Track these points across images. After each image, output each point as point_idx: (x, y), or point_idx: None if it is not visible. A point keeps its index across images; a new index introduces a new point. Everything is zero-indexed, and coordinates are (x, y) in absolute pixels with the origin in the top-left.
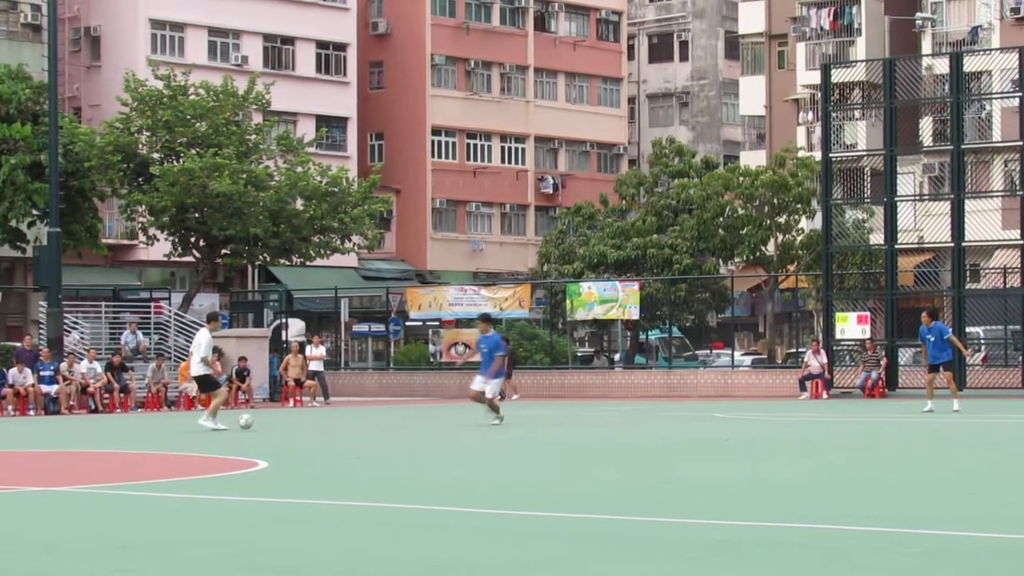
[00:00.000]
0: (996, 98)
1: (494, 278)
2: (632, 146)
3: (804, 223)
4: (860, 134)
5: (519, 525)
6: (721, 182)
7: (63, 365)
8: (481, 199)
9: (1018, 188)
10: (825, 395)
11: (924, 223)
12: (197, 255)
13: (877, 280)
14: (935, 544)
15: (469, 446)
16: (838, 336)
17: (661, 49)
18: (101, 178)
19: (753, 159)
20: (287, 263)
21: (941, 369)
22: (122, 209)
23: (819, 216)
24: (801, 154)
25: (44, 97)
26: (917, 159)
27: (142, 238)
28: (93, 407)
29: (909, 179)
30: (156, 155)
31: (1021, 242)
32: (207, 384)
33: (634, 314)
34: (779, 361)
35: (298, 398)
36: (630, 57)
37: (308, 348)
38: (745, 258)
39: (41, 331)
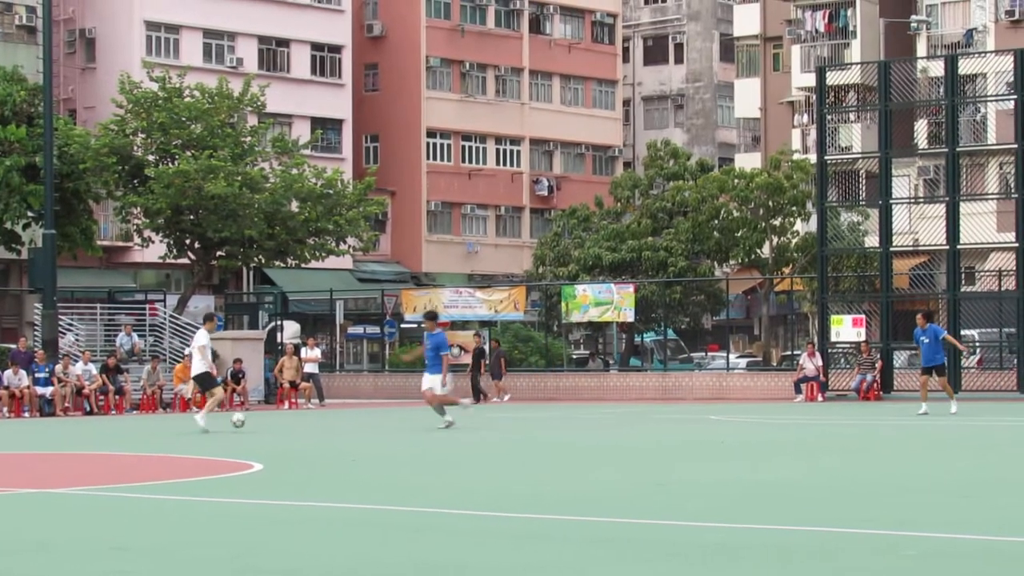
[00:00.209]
0: (991, 101)
1: (489, 280)
2: (627, 148)
3: (799, 226)
4: (855, 137)
5: (515, 527)
6: (716, 184)
7: (58, 367)
8: (476, 201)
9: (1013, 191)
10: (820, 398)
11: (919, 226)
12: (192, 257)
13: (872, 283)
14: (931, 547)
15: (465, 448)
16: (833, 339)
17: (656, 51)
18: (96, 180)
19: (748, 161)
20: (282, 265)
21: (934, 373)
22: (117, 211)
23: (814, 219)
24: (796, 157)
25: (39, 99)
26: (912, 162)
27: (137, 240)
28: (88, 409)
29: (904, 182)
30: (151, 157)
31: (1016, 245)
32: (207, 382)
33: (629, 316)
34: (774, 364)
35: (293, 400)
36: (625, 59)
37: (303, 350)
38: (740, 261)
39: (36, 333)
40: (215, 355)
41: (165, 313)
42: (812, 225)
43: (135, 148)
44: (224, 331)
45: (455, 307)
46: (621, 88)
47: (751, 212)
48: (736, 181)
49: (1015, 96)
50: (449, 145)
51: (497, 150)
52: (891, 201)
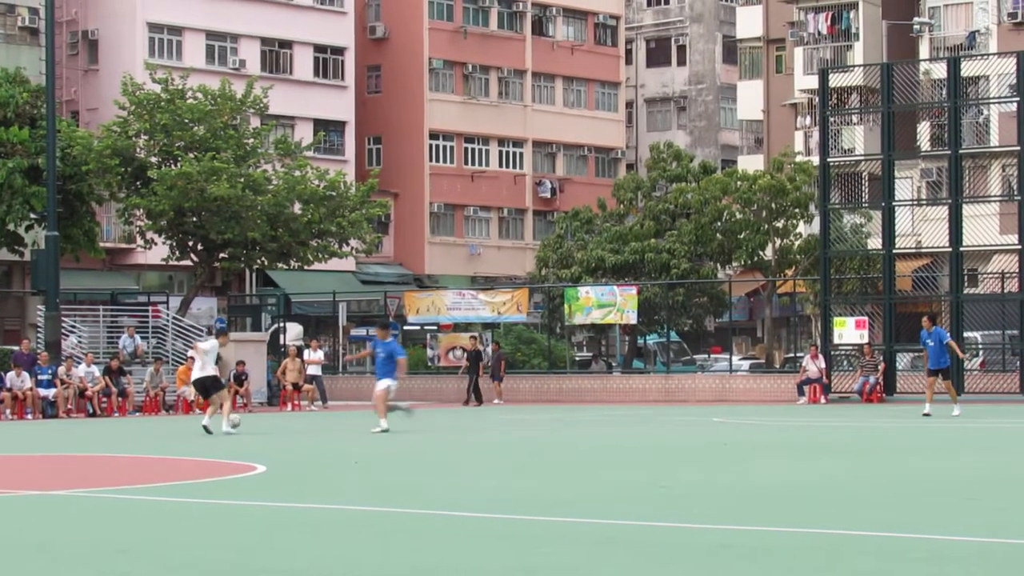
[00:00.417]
0: (994, 103)
1: (492, 282)
2: (630, 150)
3: (802, 228)
4: (858, 139)
5: (517, 529)
6: (719, 186)
7: (61, 369)
8: (479, 203)
9: (1016, 193)
10: (823, 400)
11: (922, 228)
12: (195, 259)
13: (875, 285)
14: (935, 549)
15: (467, 450)
16: (836, 341)
17: (659, 53)
18: (99, 182)
19: (751, 163)
20: (285, 267)
21: (940, 376)
22: (120, 213)
23: (817, 221)
24: (799, 159)
25: (42, 100)
26: (915, 164)
27: (140, 242)
28: (91, 411)
29: (907, 184)
30: (154, 159)
31: (1019, 247)
32: (204, 388)
33: (632, 318)
34: (777, 366)
35: (296, 402)
36: (628, 61)
37: (306, 352)
38: (743, 263)
39: (39, 335)
40: (218, 357)
41: (168, 315)
42: (815, 227)
43: (138, 150)
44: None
45: (458, 309)
46: (624, 90)
47: (754, 214)
48: (739, 183)
49: (1018, 98)
50: (452, 147)
51: (500, 152)
52: (894, 203)
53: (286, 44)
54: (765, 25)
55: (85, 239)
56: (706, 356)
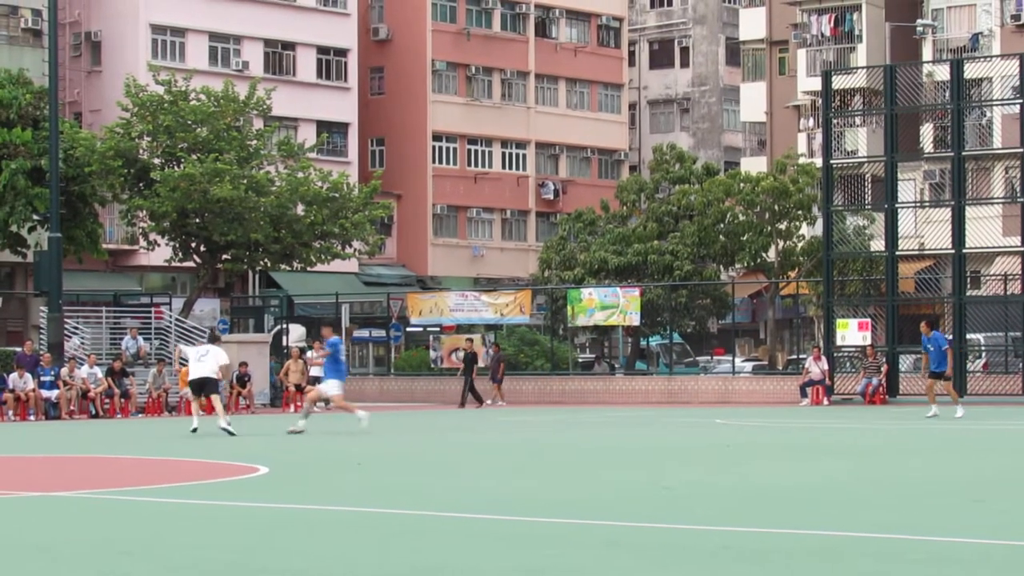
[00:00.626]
0: (997, 105)
1: (495, 284)
2: (633, 152)
3: (805, 229)
4: (861, 140)
5: (520, 530)
6: (722, 188)
7: (64, 370)
8: (482, 205)
9: (1019, 195)
10: (826, 401)
11: (925, 230)
12: (198, 260)
13: (878, 286)
14: (937, 550)
15: (470, 451)
16: (839, 342)
17: (662, 55)
18: (102, 183)
19: (754, 165)
20: (288, 268)
21: (940, 379)
22: (123, 214)
23: (820, 222)
24: (802, 160)
25: (45, 102)
26: (918, 166)
27: (143, 243)
28: (94, 412)
29: (910, 186)
30: (157, 160)
31: (1022, 249)
32: (213, 387)
33: (635, 320)
34: (780, 367)
35: (299, 404)
36: (631, 63)
37: (309, 353)
38: (746, 264)
39: (42, 336)
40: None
41: (171, 316)
42: (818, 229)
43: (141, 151)
44: (230, 334)
45: (461, 311)
46: (627, 92)
47: (757, 216)
48: (742, 185)
49: (1021, 100)
50: (455, 149)
51: (503, 154)
52: (897, 205)
53: (289, 46)
54: (768, 27)
55: (88, 240)
56: (709, 358)
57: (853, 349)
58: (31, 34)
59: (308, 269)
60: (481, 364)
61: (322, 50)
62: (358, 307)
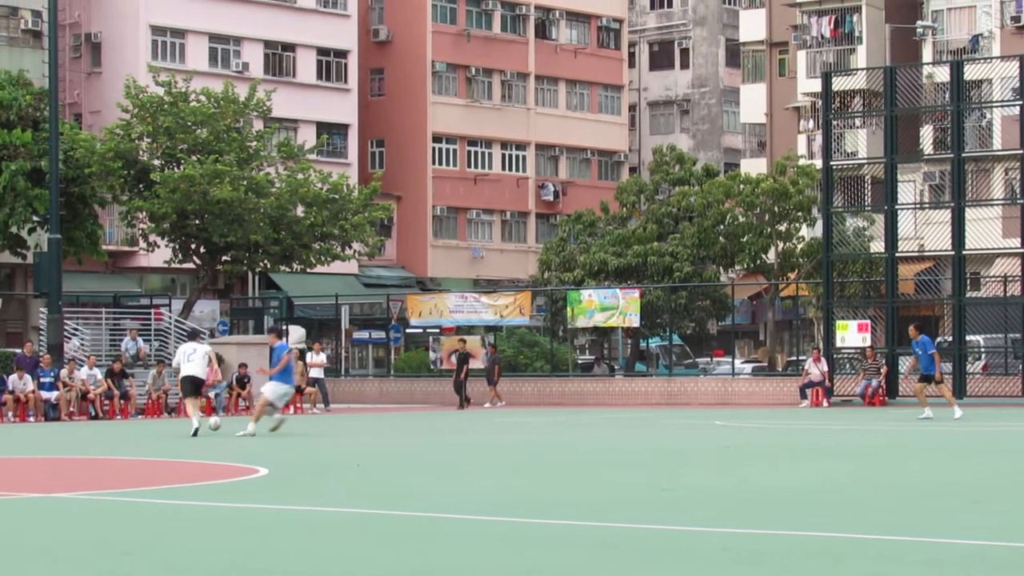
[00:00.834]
0: (997, 106)
1: (495, 285)
2: (633, 154)
3: (805, 231)
4: (861, 142)
5: (519, 531)
6: (722, 190)
7: (63, 371)
8: (482, 206)
9: (1018, 196)
10: (825, 403)
11: (925, 231)
12: (197, 262)
13: (878, 288)
14: (937, 552)
15: (469, 453)
16: (838, 344)
17: (662, 57)
18: (102, 184)
19: (754, 167)
20: (287, 270)
21: (932, 382)
22: (122, 215)
23: (820, 224)
24: (802, 162)
25: (45, 103)
26: (918, 167)
27: (142, 244)
28: (93, 414)
29: (910, 187)
30: (157, 161)
31: (1021, 250)
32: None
33: (634, 322)
34: (779, 369)
35: (298, 405)
36: (631, 65)
37: (309, 355)
38: (746, 266)
39: (41, 337)
40: (220, 359)
41: (170, 318)
42: (818, 230)
43: (140, 152)
44: (229, 336)
45: (460, 312)
46: (627, 93)
47: (757, 217)
48: (742, 186)
49: (1021, 102)
50: (455, 150)
51: (503, 155)
52: (896, 206)
53: (289, 47)
54: (768, 28)
55: (88, 242)
56: (708, 359)
57: (853, 351)
58: (31, 35)
59: (308, 270)
60: (481, 366)
61: (322, 51)
62: (358, 308)
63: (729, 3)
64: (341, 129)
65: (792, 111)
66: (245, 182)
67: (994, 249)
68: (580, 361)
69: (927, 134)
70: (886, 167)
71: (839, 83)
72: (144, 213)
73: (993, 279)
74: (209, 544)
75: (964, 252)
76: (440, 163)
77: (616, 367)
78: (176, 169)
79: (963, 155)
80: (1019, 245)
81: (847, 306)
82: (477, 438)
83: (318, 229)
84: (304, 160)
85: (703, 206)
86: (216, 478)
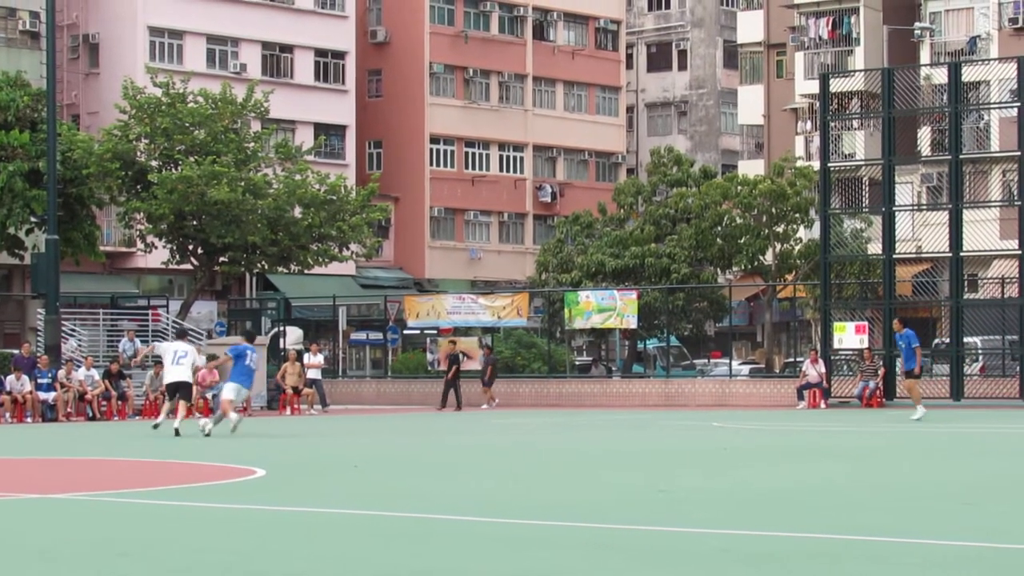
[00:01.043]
0: (994, 108)
1: (492, 286)
2: (630, 155)
3: (802, 232)
4: (858, 144)
5: (516, 533)
6: (719, 191)
7: (61, 372)
8: (479, 207)
9: (1016, 198)
10: (823, 404)
11: (922, 233)
12: (195, 263)
13: (875, 290)
14: (934, 554)
15: (466, 454)
16: (836, 346)
17: (659, 58)
18: (99, 185)
19: (751, 168)
20: (285, 271)
21: (908, 376)
22: (120, 216)
23: (817, 225)
24: (799, 163)
25: (42, 104)
26: (915, 169)
27: (140, 245)
28: (91, 414)
29: (907, 189)
30: (154, 162)
31: (1019, 252)
32: (187, 391)
33: (632, 323)
34: (777, 370)
35: (296, 406)
36: (628, 66)
37: (306, 356)
38: (743, 267)
39: (39, 338)
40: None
41: (168, 319)
42: (815, 232)
43: (138, 153)
44: (227, 337)
45: (458, 313)
46: (624, 95)
47: (754, 219)
48: (739, 188)
49: (1018, 103)
50: (452, 151)
51: (500, 156)
52: (894, 208)
53: (287, 48)
54: (766, 30)
55: (85, 243)
56: (706, 361)
57: (850, 352)
58: (29, 36)
59: (305, 272)
60: (478, 367)
61: (320, 52)
62: (355, 309)
63: (727, 4)
64: (339, 130)
65: (790, 112)
66: (243, 183)
67: (992, 251)
68: (577, 362)
69: (925, 136)
70: (884, 169)
71: (837, 84)
72: (142, 214)
73: (991, 281)
74: (206, 545)
75: (962, 254)
76: (438, 164)
77: (613, 368)
78: (174, 170)
79: (961, 157)
80: (1017, 247)
81: (844, 308)
82: (474, 439)
83: (316, 230)
84: (302, 161)
85: (701, 207)
86: (213, 479)
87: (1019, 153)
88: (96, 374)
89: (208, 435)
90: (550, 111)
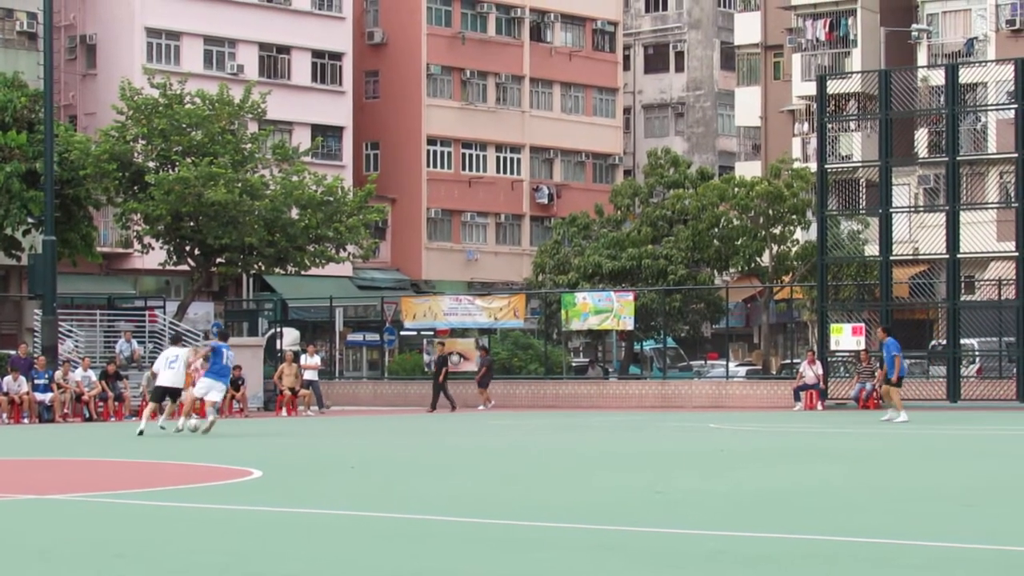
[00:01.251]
0: (991, 110)
1: (489, 288)
2: (627, 156)
3: (799, 234)
4: (855, 145)
5: (513, 534)
6: (716, 193)
7: (58, 373)
8: (476, 209)
9: (1013, 200)
10: (819, 406)
11: (919, 234)
12: (192, 264)
13: (872, 291)
14: (931, 556)
15: (463, 455)
16: (832, 347)
17: (657, 59)
18: (96, 186)
19: (748, 170)
20: (282, 272)
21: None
22: (117, 217)
23: (814, 227)
24: (796, 165)
25: (40, 105)
26: (912, 170)
27: (137, 246)
28: (87, 415)
29: (904, 190)
30: (151, 164)
31: (1016, 254)
32: (177, 395)
33: (629, 324)
34: (774, 372)
35: (291, 407)
36: (626, 67)
37: (303, 357)
38: (740, 269)
39: (36, 339)
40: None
41: (165, 320)
42: (812, 234)
43: (135, 154)
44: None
45: (455, 315)
46: (622, 96)
47: (751, 220)
48: (736, 189)
49: (1015, 105)
50: (449, 153)
51: (497, 158)
52: (891, 210)
53: (284, 49)
54: (763, 31)
55: (82, 244)
56: (703, 362)
57: (847, 354)
58: (26, 37)
59: (302, 273)
60: (475, 368)
61: (317, 54)
62: (352, 311)
63: (724, 6)
64: (336, 131)
65: (787, 114)
66: (240, 184)
67: (989, 252)
68: (574, 364)
69: (922, 137)
70: (881, 170)
71: (834, 86)
72: (139, 215)
73: (987, 282)
74: (203, 546)
75: (959, 256)
76: (435, 165)
77: (610, 370)
78: (171, 171)
79: (958, 158)
80: (1014, 249)
81: (841, 309)
82: (471, 440)
83: (312, 231)
84: (299, 162)
85: (697, 209)
86: (210, 480)
87: (1016, 155)
88: (93, 375)
89: (180, 431)
90: (547, 112)
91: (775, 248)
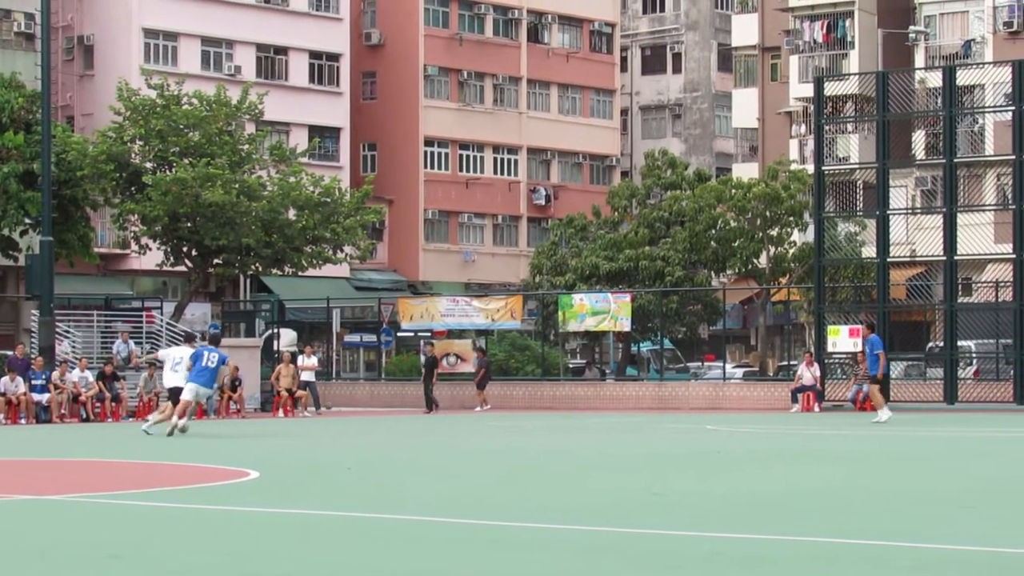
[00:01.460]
0: (989, 112)
1: (486, 289)
2: (625, 158)
3: (796, 236)
4: (853, 147)
5: (510, 535)
6: (713, 194)
7: (55, 374)
8: (473, 210)
9: (1010, 202)
10: (817, 408)
11: (916, 236)
12: (189, 264)
13: (869, 293)
14: (927, 558)
15: (460, 456)
16: (830, 349)
17: (654, 61)
18: (94, 187)
19: (746, 171)
20: (279, 273)
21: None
22: (114, 218)
23: (811, 229)
24: (794, 167)
25: (37, 106)
26: (910, 172)
27: (134, 247)
28: (84, 416)
29: (901, 192)
30: (149, 164)
31: (1013, 256)
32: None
33: (626, 326)
34: (771, 374)
35: (288, 408)
36: (623, 69)
37: (300, 358)
38: (737, 270)
39: (33, 340)
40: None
41: (162, 320)
42: (809, 235)
43: (133, 155)
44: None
45: (452, 316)
46: (619, 97)
47: (748, 222)
48: (733, 191)
49: (1013, 107)
50: (447, 154)
51: (495, 159)
52: (888, 212)
53: (281, 50)
54: (760, 33)
55: (80, 244)
56: (700, 364)
57: (844, 356)
58: (24, 38)
59: (299, 274)
60: (472, 369)
61: (314, 55)
62: (349, 312)
63: (721, 7)
64: (333, 132)
65: (784, 116)
66: (237, 185)
67: (986, 254)
68: (571, 365)
69: (919, 139)
70: (878, 172)
71: (831, 88)
72: (136, 216)
73: (985, 284)
74: (200, 547)
75: (956, 257)
76: (432, 167)
77: (607, 371)
78: (168, 172)
79: (955, 160)
80: (1011, 250)
81: (838, 311)
82: (467, 442)
83: (310, 232)
84: (296, 163)
85: (695, 210)
86: (207, 481)
87: (1013, 157)
88: (90, 376)
89: (148, 434)
90: (544, 114)
91: (772, 250)
